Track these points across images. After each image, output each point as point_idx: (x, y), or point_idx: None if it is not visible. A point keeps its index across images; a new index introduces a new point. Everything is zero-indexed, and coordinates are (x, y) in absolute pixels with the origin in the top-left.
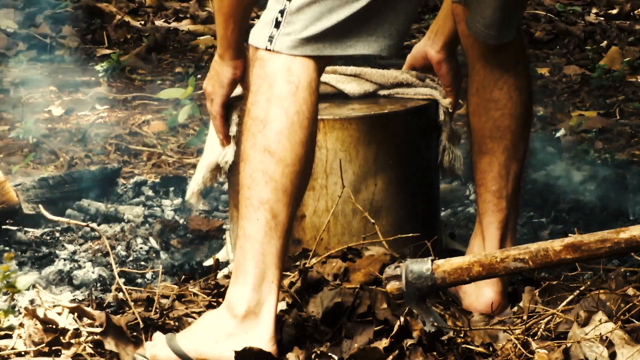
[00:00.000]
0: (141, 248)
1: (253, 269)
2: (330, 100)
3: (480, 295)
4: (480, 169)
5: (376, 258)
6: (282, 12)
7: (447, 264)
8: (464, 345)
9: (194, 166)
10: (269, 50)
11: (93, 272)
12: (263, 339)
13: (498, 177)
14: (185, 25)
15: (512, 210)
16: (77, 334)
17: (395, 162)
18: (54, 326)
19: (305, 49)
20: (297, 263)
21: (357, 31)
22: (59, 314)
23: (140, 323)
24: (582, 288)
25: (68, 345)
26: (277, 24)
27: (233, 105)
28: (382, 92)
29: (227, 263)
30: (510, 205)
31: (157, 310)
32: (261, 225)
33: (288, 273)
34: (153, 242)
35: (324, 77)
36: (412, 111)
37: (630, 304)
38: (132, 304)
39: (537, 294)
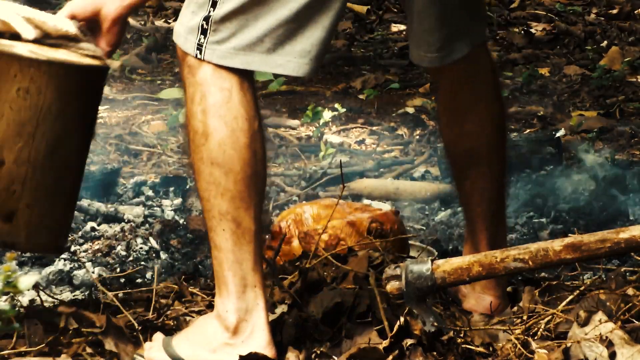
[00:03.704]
0: (141, 248)
1: (232, 277)
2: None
3: (480, 300)
4: (462, 192)
5: (362, 257)
6: (206, 19)
7: (447, 264)
8: (464, 345)
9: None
10: (199, 59)
11: (93, 272)
12: (261, 344)
13: (479, 201)
14: None
15: (499, 227)
16: (77, 334)
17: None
18: (54, 326)
19: (234, 61)
20: (297, 263)
21: (290, 51)
22: (59, 314)
23: (135, 325)
24: (582, 288)
25: (68, 345)
26: (204, 32)
27: None
28: (50, 42)
29: None
30: (495, 223)
31: (156, 310)
32: (228, 235)
33: (287, 275)
34: (153, 242)
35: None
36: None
37: (630, 304)
38: (122, 308)
39: (537, 294)
